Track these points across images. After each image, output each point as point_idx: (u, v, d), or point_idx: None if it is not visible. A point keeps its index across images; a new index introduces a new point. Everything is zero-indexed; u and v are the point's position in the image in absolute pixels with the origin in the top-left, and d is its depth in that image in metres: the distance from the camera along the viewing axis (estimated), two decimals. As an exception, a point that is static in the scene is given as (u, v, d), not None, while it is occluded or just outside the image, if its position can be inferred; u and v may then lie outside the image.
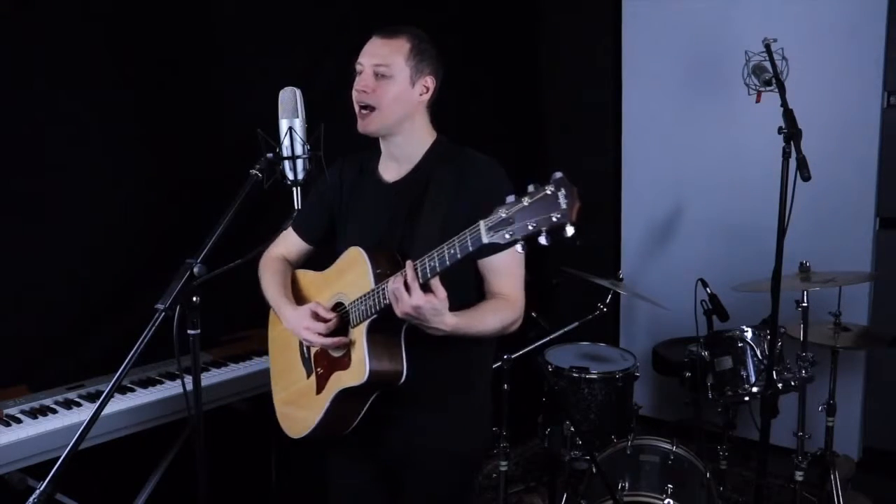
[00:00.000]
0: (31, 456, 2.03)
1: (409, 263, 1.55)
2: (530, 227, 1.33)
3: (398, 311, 1.56)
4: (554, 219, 1.32)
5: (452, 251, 1.47)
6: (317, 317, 1.78)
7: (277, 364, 2.08)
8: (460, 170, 1.77)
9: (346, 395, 1.74)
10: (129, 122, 2.57)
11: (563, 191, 1.32)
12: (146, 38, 2.59)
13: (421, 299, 1.52)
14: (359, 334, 1.70)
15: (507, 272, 1.76)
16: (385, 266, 1.68)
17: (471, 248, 1.43)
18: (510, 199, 1.37)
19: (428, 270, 1.52)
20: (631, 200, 4.16)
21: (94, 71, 2.49)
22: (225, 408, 2.46)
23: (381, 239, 1.80)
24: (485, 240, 1.40)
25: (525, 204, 1.34)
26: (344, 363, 1.75)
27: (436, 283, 1.54)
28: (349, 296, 1.75)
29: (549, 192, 1.33)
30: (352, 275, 1.75)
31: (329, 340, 1.75)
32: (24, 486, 2.06)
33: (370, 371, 1.65)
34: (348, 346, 1.74)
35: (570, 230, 1.31)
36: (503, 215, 1.36)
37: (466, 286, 1.77)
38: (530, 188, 1.35)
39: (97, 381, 2.35)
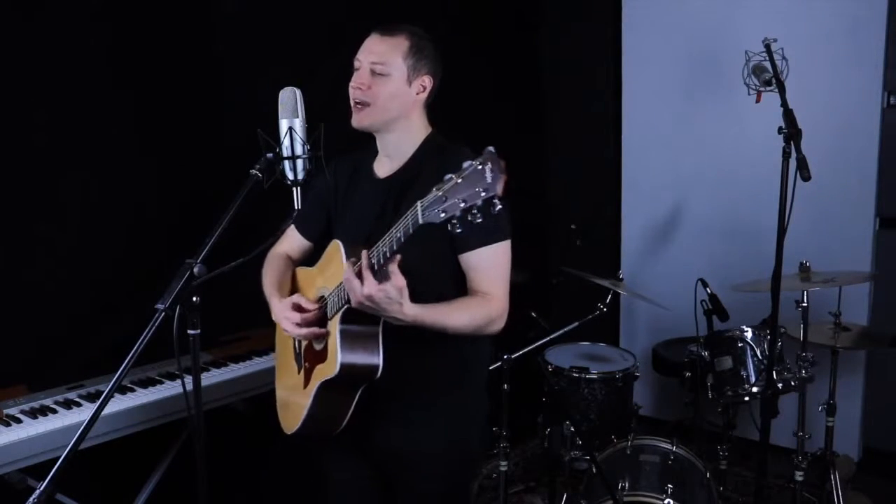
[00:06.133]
0: (31, 456, 2.02)
1: (364, 253, 1.56)
2: (462, 205, 1.33)
3: (353, 302, 1.56)
4: (482, 193, 1.32)
5: (398, 234, 1.47)
6: (298, 308, 1.80)
7: (279, 360, 2.10)
8: (446, 164, 1.77)
9: (327, 390, 1.73)
10: (129, 122, 2.57)
11: (489, 164, 1.32)
12: (147, 39, 2.58)
13: (373, 287, 1.52)
14: (333, 326, 1.70)
15: (487, 269, 1.75)
16: (359, 257, 1.68)
17: (411, 230, 1.44)
18: (446, 177, 1.37)
19: (381, 256, 1.52)
20: (631, 200, 4.17)
21: (92, 71, 2.49)
22: (225, 408, 2.46)
23: (371, 233, 1.80)
24: (420, 220, 1.40)
25: (457, 181, 1.34)
26: (323, 356, 1.75)
27: (394, 269, 1.53)
28: (329, 288, 1.77)
29: (478, 167, 1.33)
30: (332, 268, 1.77)
31: (304, 331, 1.76)
32: (24, 486, 2.06)
33: (340, 364, 1.65)
34: (326, 339, 1.74)
35: (497, 205, 1.32)
36: (437, 194, 1.36)
37: (439, 281, 1.76)
38: (464, 164, 1.35)
39: (97, 381, 2.35)
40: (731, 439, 3.12)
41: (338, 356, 1.65)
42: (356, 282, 1.53)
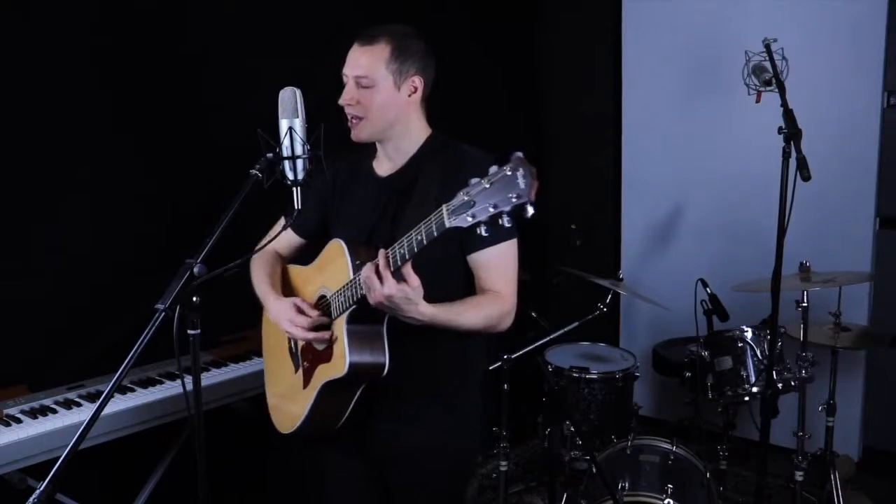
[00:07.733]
0: (31, 456, 2.03)
1: (381, 252, 1.56)
2: (491, 209, 1.34)
3: (371, 300, 1.56)
4: (514, 199, 1.32)
5: (419, 237, 1.47)
6: (300, 311, 1.79)
7: (270, 359, 2.09)
8: (449, 163, 1.77)
9: (331, 389, 1.74)
10: (129, 122, 2.57)
11: (521, 170, 1.32)
12: (146, 38, 2.59)
13: (393, 288, 1.52)
14: (339, 326, 1.70)
15: (496, 268, 1.76)
16: (364, 257, 1.68)
17: (435, 233, 1.44)
18: (473, 181, 1.37)
19: (398, 258, 1.53)
20: (631, 200, 4.16)
21: (92, 71, 2.49)
22: (225, 408, 2.46)
23: (370, 232, 1.81)
24: (447, 224, 1.40)
25: (485, 186, 1.35)
26: (327, 356, 1.75)
27: (408, 270, 1.54)
28: (331, 288, 1.76)
29: (507, 172, 1.33)
30: (333, 267, 1.76)
31: (311, 335, 1.76)
32: (24, 486, 2.06)
33: (350, 363, 1.65)
34: (331, 339, 1.74)
35: (530, 210, 1.32)
36: (464, 198, 1.37)
37: (451, 283, 1.76)
38: (491, 170, 1.36)
39: (97, 381, 2.35)
40: (731, 439, 3.12)
41: (346, 356, 1.66)
42: (377, 282, 1.53)
